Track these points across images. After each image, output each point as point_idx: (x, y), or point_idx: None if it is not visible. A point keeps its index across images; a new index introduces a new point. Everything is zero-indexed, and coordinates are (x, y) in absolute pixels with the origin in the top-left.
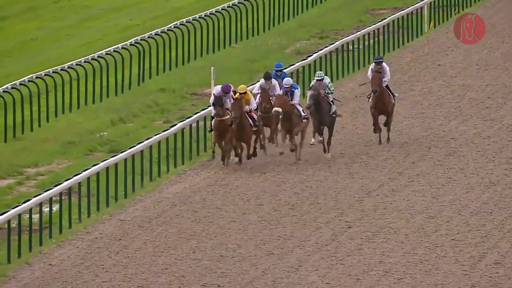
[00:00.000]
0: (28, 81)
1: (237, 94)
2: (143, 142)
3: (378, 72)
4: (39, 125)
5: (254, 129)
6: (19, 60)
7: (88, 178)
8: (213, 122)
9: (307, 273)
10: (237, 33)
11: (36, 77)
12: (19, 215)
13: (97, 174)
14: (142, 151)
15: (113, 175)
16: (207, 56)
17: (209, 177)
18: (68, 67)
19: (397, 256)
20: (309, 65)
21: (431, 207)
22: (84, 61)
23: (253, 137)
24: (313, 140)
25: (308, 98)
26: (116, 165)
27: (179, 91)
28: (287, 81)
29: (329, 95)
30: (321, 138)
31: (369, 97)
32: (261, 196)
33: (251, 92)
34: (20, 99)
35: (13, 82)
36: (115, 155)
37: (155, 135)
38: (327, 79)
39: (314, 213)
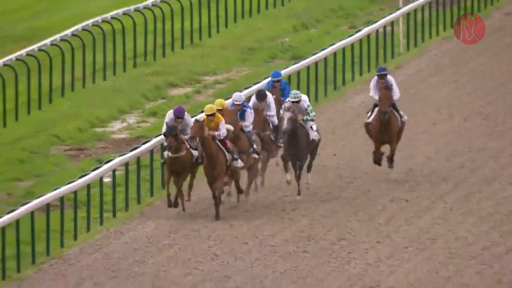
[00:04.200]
0: None
1: (204, 117)
2: (326, 48)
3: (387, 88)
4: (218, 31)
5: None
6: None
7: None
8: (165, 154)
9: (501, 187)
10: None
11: None
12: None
13: None
14: (325, 59)
15: (295, 83)
16: None
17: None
18: None
19: None
20: None
21: None
22: None
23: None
24: (288, 176)
25: (285, 121)
26: (298, 73)
27: None
28: (238, 96)
29: (308, 121)
30: (289, 178)
31: (369, 121)
32: (452, 106)
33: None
34: (198, 3)
35: None
36: (297, 63)
37: (340, 41)
38: (305, 102)
39: (510, 123)
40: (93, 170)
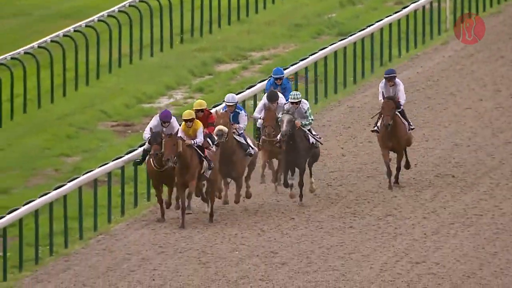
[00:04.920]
0: None
1: (183, 124)
2: (373, 24)
3: (391, 99)
4: (264, 7)
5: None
6: None
7: (315, 63)
8: (146, 161)
9: None
10: None
11: None
12: (244, 102)
13: (325, 58)
14: (372, 34)
15: (341, 59)
16: None
17: (442, 61)
18: None
19: None
20: None
21: None
22: None
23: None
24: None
25: (284, 123)
26: (344, 49)
27: None
28: (231, 98)
29: (306, 125)
30: (291, 182)
31: (376, 128)
32: (498, 82)
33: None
34: None
35: None
36: (344, 39)
37: (386, 17)
38: (305, 104)
39: None
40: (140, 146)
